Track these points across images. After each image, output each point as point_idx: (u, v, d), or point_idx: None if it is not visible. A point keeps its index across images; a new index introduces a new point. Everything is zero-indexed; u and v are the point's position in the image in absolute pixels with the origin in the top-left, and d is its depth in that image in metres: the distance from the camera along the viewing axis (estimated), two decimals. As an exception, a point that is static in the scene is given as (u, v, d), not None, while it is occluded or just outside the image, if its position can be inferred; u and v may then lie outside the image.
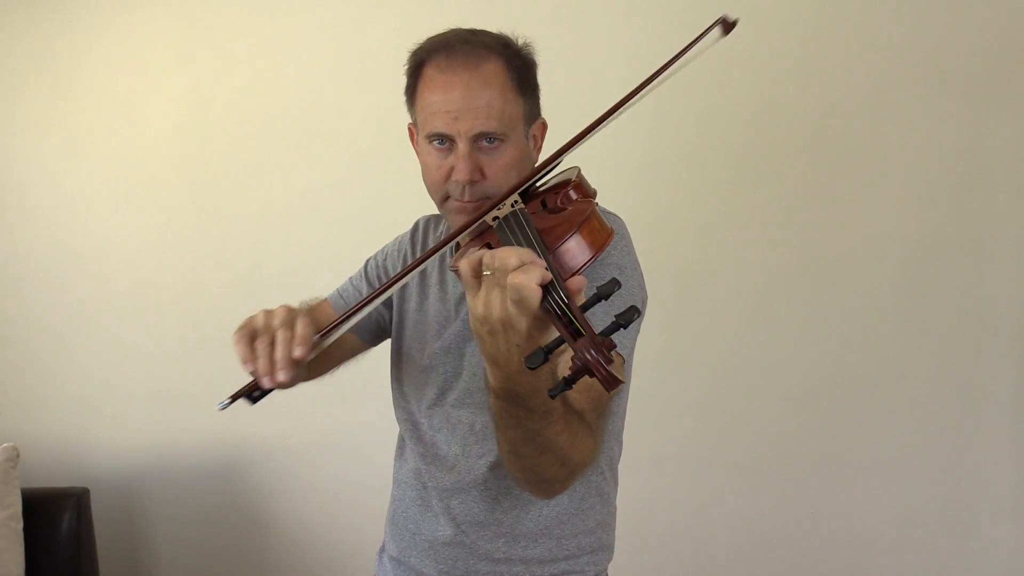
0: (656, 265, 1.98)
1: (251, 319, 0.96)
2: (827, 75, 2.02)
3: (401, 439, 1.28)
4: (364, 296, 1.27)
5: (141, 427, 2.31)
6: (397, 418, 1.27)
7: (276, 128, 2.22)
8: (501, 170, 1.07)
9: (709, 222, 2.07)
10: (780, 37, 2.02)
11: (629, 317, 0.65)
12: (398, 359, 1.26)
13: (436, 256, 1.05)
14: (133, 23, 2.25)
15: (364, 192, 2.18)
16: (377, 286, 1.31)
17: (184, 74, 2.25)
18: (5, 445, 2.03)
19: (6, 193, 2.32)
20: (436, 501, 1.18)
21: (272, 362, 0.91)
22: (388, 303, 1.31)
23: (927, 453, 2.03)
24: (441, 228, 1.31)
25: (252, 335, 0.94)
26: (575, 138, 0.98)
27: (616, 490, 1.24)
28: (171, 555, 2.35)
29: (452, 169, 1.07)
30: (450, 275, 1.21)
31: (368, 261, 1.37)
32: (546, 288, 0.69)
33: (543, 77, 1.18)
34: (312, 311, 1.32)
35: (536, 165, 1.03)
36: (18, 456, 2.05)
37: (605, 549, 1.21)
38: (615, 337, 1.00)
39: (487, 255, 0.74)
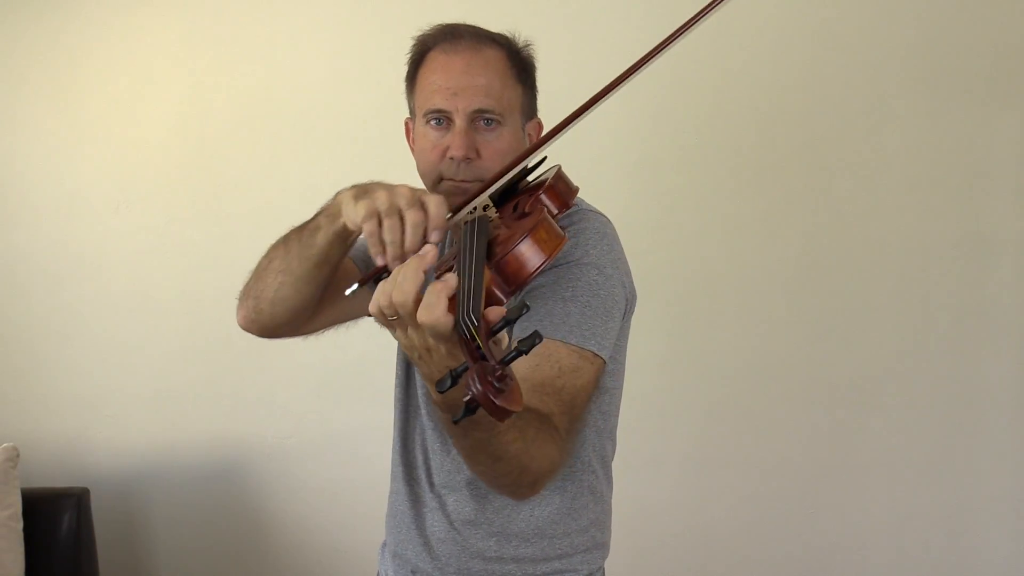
0: (656, 265, 2.00)
1: (371, 194, 0.90)
2: (827, 75, 2.01)
3: (400, 428, 1.27)
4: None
5: (141, 427, 2.31)
6: (396, 402, 1.27)
7: (276, 128, 2.22)
8: (497, 153, 1.08)
9: (709, 222, 2.07)
10: (780, 37, 2.02)
11: (531, 343, 0.65)
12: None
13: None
14: (133, 23, 2.25)
15: (364, 192, 2.17)
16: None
17: (184, 74, 2.25)
18: (5, 445, 2.03)
19: (6, 193, 2.32)
20: (431, 496, 1.18)
21: (404, 250, 0.86)
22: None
23: (927, 453, 2.03)
24: None
25: (377, 216, 0.88)
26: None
27: (610, 488, 1.23)
28: (171, 555, 2.35)
29: (447, 148, 1.08)
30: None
31: None
32: (458, 313, 0.70)
33: (542, 78, 1.19)
34: None
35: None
36: (18, 456, 2.05)
37: (599, 548, 1.20)
38: (585, 334, 0.98)
39: (383, 300, 0.75)
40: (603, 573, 1.23)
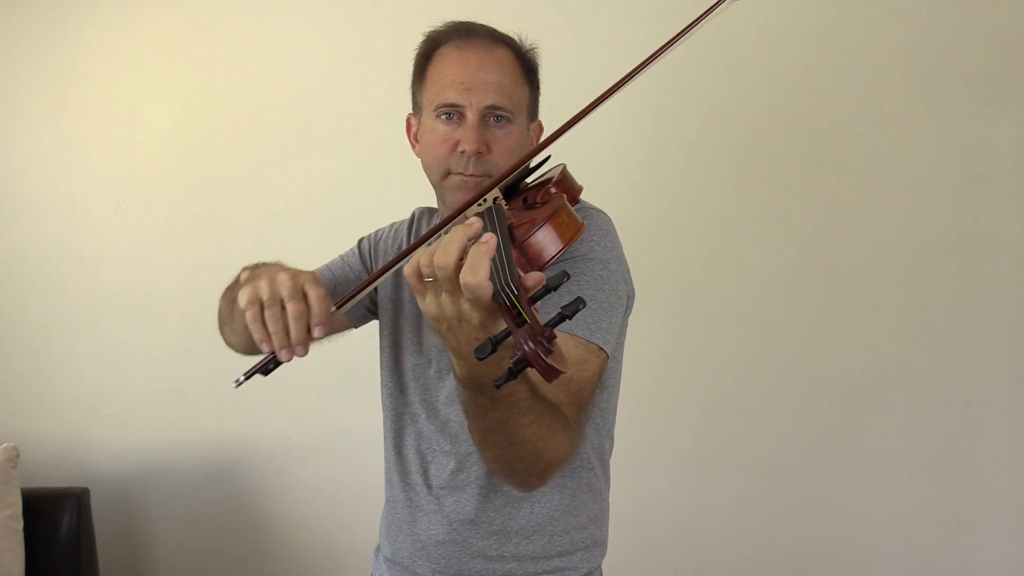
0: (656, 265, 2.00)
1: (254, 284, 0.89)
2: (827, 75, 2.02)
3: (393, 436, 1.27)
4: (373, 269, 1.28)
5: (141, 427, 2.31)
6: (385, 411, 1.27)
7: (276, 128, 2.22)
8: (505, 149, 1.09)
9: (709, 222, 2.07)
10: (780, 37, 2.02)
11: (575, 308, 0.66)
12: (392, 348, 1.26)
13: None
14: (133, 23, 2.25)
15: (364, 192, 2.18)
16: (370, 266, 1.32)
17: (184, 74, 2.25)
18: (5, 445, 2.03)
19: (6, 193, 2.32)
20: (428, 500, 1.18)
21: (288, 339, 0.87)
22: (374, 290, 1.31)
23: (927, 453, 2.03)
24: (436, 223, 1.31)
25: (259, 304, 0.88)
26: (577, 116, 1.02)
27: (608, 486, 1.24)
28: (171, 555, 2.35)
29: (458, 142, 1.09)
30: None
31: (360, 240, 1.37)
32: (497, 281, 0.70)
33: (543, 78, 1.19)
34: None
35: (519, 159, 1.04)
36: (18, 456, 2.05)
37: (598, 546, 1.21)
38: (591, 327, 0.99)
39: (424, 259, 0.74)
40: (601, 573, 1.23)
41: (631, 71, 1.03)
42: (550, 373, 0.65)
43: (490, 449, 0.90)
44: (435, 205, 1.33)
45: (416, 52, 1.16)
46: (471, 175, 1.09)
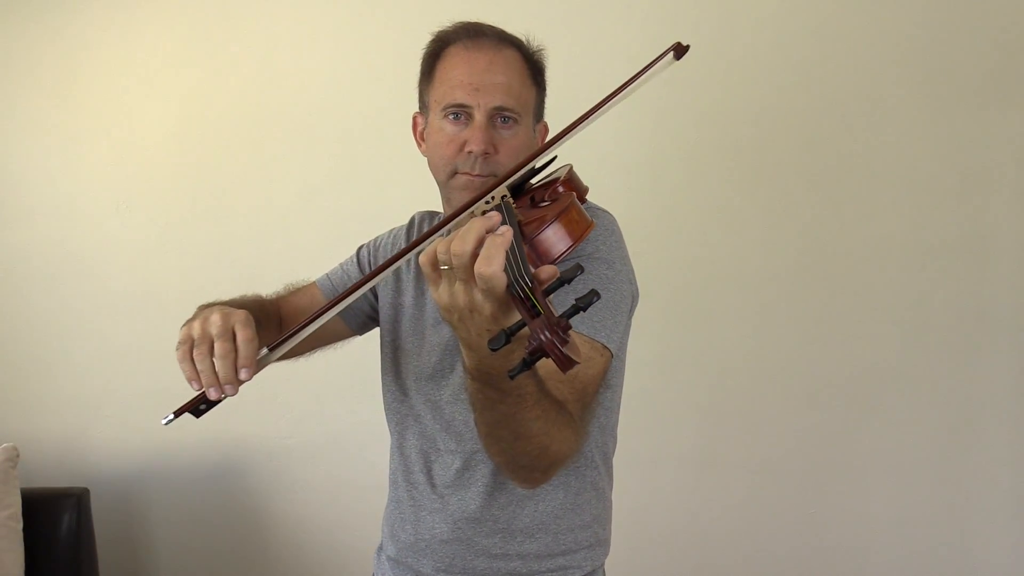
0: (656, 264, 2.00)
1: (188, 325, 0.92)
2: (827, 75, 2.02)
3: (396, 437, 1.28)
4: (348, 285, 1.27)
5: (141, 427, 2.31)
6: (388, 413, 1.27)
7: (275, 128, 2.22)
8: (512, 150, 1.10)
9: (708, 222, 2.07)
10: (780, 37, 2.02)
11: (589, 300, 0.66)
12: (393, 353, 1.26)
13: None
14: (133, 23, 2.25)
15: (364, 192, 2.18)
16: (367, 271, 1.32)
17: (184, 74, 2.25)
18: (5, 445, 2.03)
19: (6, 193, 2.32)
20: (432, 499, 1.18)
21: (215, 378, 0.89)
22: (375, 295, 1.32)
23: (926, 453, 2.03)
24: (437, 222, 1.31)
25: (190, 342, 0.91)
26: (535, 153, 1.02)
27: (611, 485, 1.24)
28: (171, 555, 2.35)
29: (465, 142, 1.09)
30: None
31: (360, 248, 1.38)
32: (511, 273, 0.70)
33: (547, 78, 1.20)
34: (286, 298, 1.33)
35: (520, 161, 1.05)
36: (18, 456, 2.05)
37: (601, 544, 1.21)
38: (596, 325, 0.99)
39: (441, 247, 0.75)
40: (604, 572, 1.23)
41: (600, 103, 1.05)
42: (566, 363, 0.65)
43: (496, 443, 0.90)
44: (435, 208, 1.34)
45: (424, 51, 1.17)
46: (477, 175, 1.09)
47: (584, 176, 1.13)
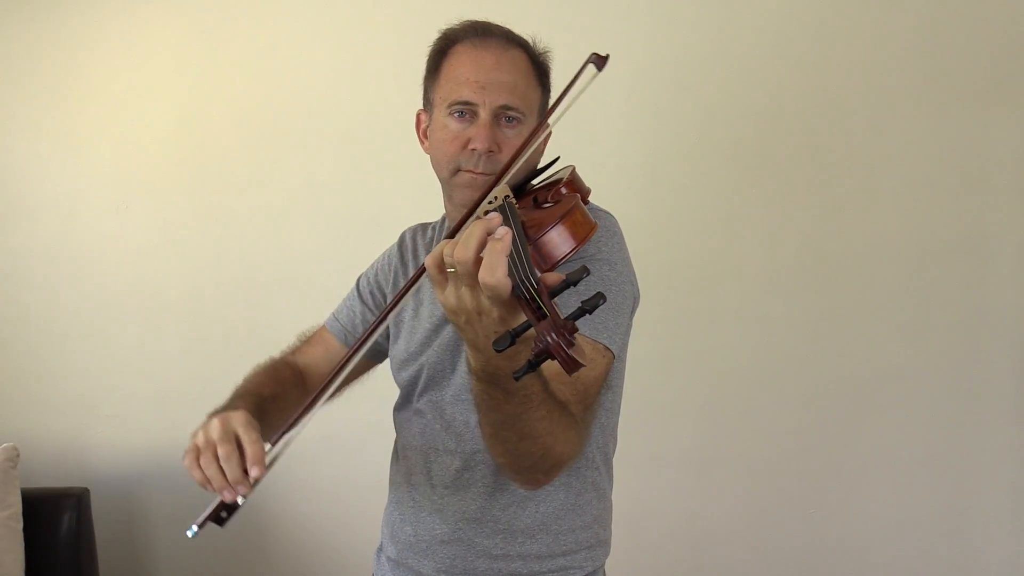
0: (656, 265, 2.00)
1: (193, 437, 0.95)
2: (827, 75, 2.02)
3: (398, 437, 1.28)
4: (375, 305, 1.29)
5: (141, 427, 2.31)
6: (393, 413, 1.28)
7: (276, 128, 2.22)
8: (515, 150, 1.09)
9: (708, 222, 2.07)
10: (780, 37, 2.02)
11: (595, 303, 0.66)
12: (398, 363, 1.26)
13: None
14: (133, 23, 2.25)
15: (364, 192, 2.18)
16: (371, 303, 1.33)
17: (184, 74, 2.25)
18: (5, 445, 2.03)
19: (6, 193, 2.32)
20: (431, 499, 1.18)
21: (225, 480, 0.91)
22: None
23: (927, 453, 2.03)
24: (430, 235, 1.32)
25: (196, 452, 0.93)
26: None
27: (611, 486, 1.24)
28: (171, 555, 2.35)
29: (469, 140, 1.09)
30: None
31: (359, 279, 1.38)
32: (516, 276, 0.70)
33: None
34: (302, 351, 1.35)
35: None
36: (18, 456, 2.05)
37: (602, 545, 1.21)
38: (598, 327, 0.99)
39: (447, 250, 0.75)
40: (604, 572, 1.23)
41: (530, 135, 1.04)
42: (572, 365, 0.65)
43: (500, 444, 0.90)
44: (424, 220, 1.35)
45: (431, 48, 1.17)
46: (480, 173, 1.09)
47: (585, 176, 1.13)
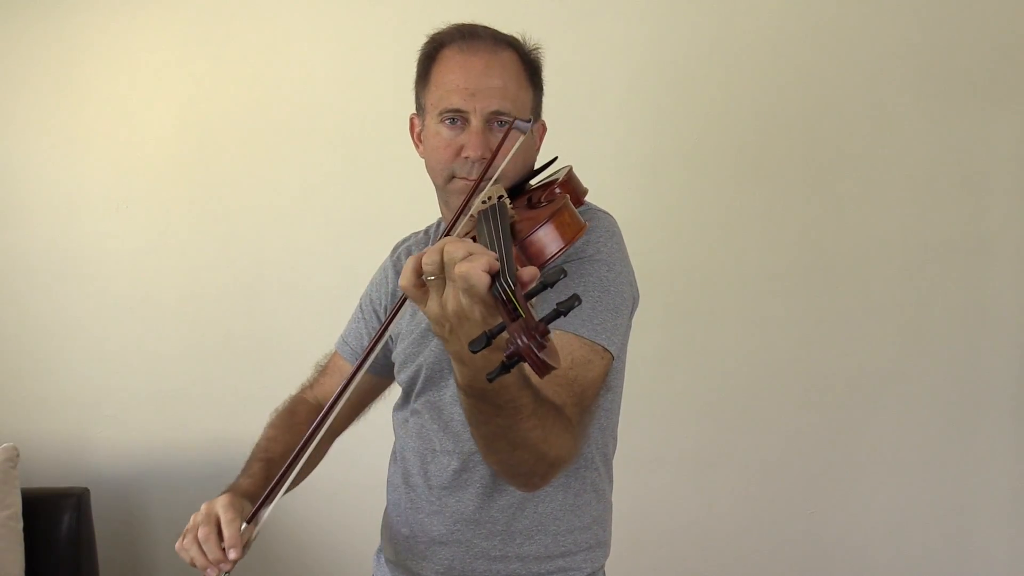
0: (656, 265, 2.00)
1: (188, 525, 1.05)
2: (827, 75, 2.02)
3: (396, 439, 1.28)
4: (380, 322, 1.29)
5: (141, 427, 2.31)
6: (392, 414, 1.28)
7: (276, 128, 2.22)
8: (503, 153, 1.09)
9: (709, 222, 2.07)
10: (780, 37, 2.02)
11: (570, 305, 0.65)
12: (399, 364, 1.26)
13: None
14: (133, 23, 2.25)
15: (364, 192, 2.18)
16: (373, 320, 1.34)
17: (184, 74, 2.25)
18: (5, 445, 2.03)
19: (6, 193, 2.32)
20: (429, 501, 1.17)
21: (206, 560, 1.01)
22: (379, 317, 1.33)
23: (927, 453, 2.03)
24: (421, 237, 1.33)
25: (183, 538, 1.04)
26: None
27: (611, 486, 1.23)
28: (171, 555, 2.33)
29: (462, 147, 1.09)
30: None
31: (362, 298, 1.38)
32: (494, 276, 0.70)
33: (544, 77, 1.19)
34: (319, 383, 1.38)
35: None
36: (18, 456, 2.05)
37: (601, 546, 1.20)
38: (597, 328, 0.99)
39: (426, 257, 0.74)
40: (604, 574, 1.23)
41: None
42: (542, 368, 0.65)
43: (493, 454, 0.90)
44: (424, 221, 1.35)
45: (419, 53, 1.16)
46: (474, 180, 1.08)
47: (584, 177, 1.12)
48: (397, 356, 1.25)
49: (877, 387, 2.04)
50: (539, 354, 0.64)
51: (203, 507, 1.04)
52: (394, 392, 1.32)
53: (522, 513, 1.13)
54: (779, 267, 2.05)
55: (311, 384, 1.39)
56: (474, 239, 0.86)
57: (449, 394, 1.16)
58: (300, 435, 1.09)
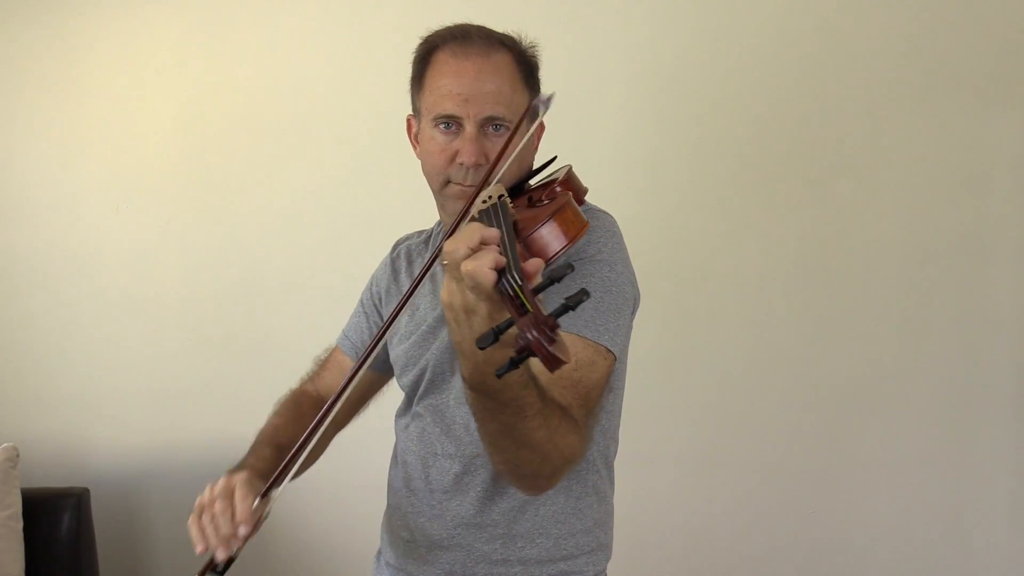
0: (656, 265, 2.00)
1: (200, 498, 1.01)
2: (827, 75, 2.02)
3: (397, 442, 1.28)
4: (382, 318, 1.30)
5: (141, 427, 2.31)
6: (395, 418, 1.27)
7: (276, 128, 2.22)
8: (503, 157, 1.08)
9: (708, 222, 2.07)
10: (779, 37, 2.02)
11: (578, 299, 0.66)
12: (400, 367, 1.26)
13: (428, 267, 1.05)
14: (133, 23, 2.25)
15: (364, 192, 2.18)
16: (375, 316, 1.34)
17: (184, 74, 2.25)
18: (5, 445, 2.03)
19: (6, 193, 2.32)
20: (430, 504, 1.17)
21: (219, 539, 0.96)
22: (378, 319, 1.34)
23: (926, 453, 2.03)
24: (424, 237, 1.32)
25: (200, 512, 0.99)
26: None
27: (613, 489, 1.23)
28: (171, 555, 2.35)
29: (457, 153, 1.08)
30: (439, 275, 1.21)
31: (363, 293, 1.38)
32: (501, 272, 0.70)
33: (542, 78, 1.19)
34: (319, 376, 1.37)
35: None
36: (18, 456, 2.05)
37: (603, 549, 1.20)
38: (599, 329, 0.99)
39: (447, 245, 0.75)
40: (605, 576, 1.23)
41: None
42: (553, 362, 0.64)
43: (499, 452, 0.90)
44: (424, 221, 1.35)
45: (413, 56, 1.15)
46: (470, 186, 1.08)
47: (584, 176, 1.12)
48: (398, 359, 1.24)
49: (877, 387, 2.04)
50: (549, 348, 0.64)
51: (220, 481, 1.00)
52: (394, 391, 1.31)
53: (523, 516, 1.13)
54: (779, 267, 2.05)
55: (311, 377, 1.39)
56: None
57: (452, 397, 1.16)
58: (304, 427, 1.09)
